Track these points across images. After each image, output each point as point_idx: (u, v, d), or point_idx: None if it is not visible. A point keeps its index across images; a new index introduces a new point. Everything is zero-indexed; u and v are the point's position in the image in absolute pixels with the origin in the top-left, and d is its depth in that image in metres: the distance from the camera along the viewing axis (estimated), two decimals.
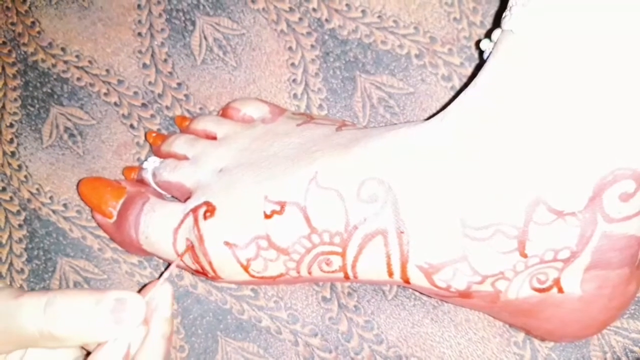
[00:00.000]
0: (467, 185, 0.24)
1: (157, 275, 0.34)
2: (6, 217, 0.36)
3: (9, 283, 0.35)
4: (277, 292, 0.32)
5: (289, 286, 0.32)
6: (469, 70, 0.34)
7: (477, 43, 0.33)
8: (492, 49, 0.25)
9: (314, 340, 0.32)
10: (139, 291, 0.26)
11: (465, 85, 0.34)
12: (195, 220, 0.28)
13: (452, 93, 0.34)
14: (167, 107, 0.36)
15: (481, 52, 0.29)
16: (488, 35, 0.26)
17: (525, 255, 0.24)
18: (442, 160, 0.25)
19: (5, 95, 0.38)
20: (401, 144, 0.26)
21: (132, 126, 0.36)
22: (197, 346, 0.33)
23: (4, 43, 0.38)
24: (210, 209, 0.28)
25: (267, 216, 0.27)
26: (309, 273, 0.28)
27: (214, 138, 0.32)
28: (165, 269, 0.32)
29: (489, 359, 0.30)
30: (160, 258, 0.31)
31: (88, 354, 0.26)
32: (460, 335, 0.31)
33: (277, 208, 0.27)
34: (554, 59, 0.23)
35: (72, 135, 0.36)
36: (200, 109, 0.36)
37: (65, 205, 0.35)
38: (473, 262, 0.25)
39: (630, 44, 0.21)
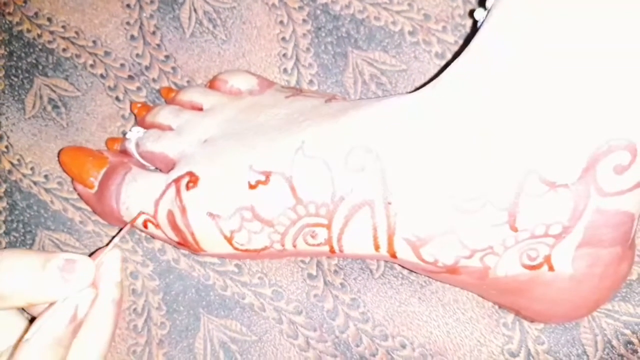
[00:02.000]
0: (457, 155, 0.23)
1: (139, 250, 0.33)
2: None
3: None
4: (261, 268, 0.32)
5: (274, 262, 0.32)
6: (462, 49, 0.33)
7: (471, 12, 0.33)
8: (485, 17, 0.25)
9: (298, 318, 0.31)
10: (90, 255, 0.26)
11: (454, 57, 0.33)
12: (178, 191, 0.28)
13: None
14: (154, 80, 0.35)
15: (475, 22, 0.28)
16: (482, 4, 0.26)
17: (515, 229, 0.24)
18: (431, 130, 0.24)
19: None
20: (391, 112, 0.25)
21: (117, 98, 0.35)
22: (179, 323, 0.32)
23: None
24: (193, 179, 0.28)
25: (251, 186, 0.27)
26: (294, 246, 0.27)
27: (200, 109, 0.32)
28: (117, 233, 0.31)
29: (478, 339, 0.30)
30: (141, 231, 0.30)
31: (32, 321, 0.25)
32: (448, 315, 0.30)
33: (262, 178, 0.26)
34: (547, 25, 0.22)
35: (56, 107, 0.35)
36: (188, 82, 0.35)
37: (46, 176, 0.34)
38: (462, 236, 0.24)
39: (625, 9, 0.21)
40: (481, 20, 0.26)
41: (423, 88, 0.25)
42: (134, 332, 0.32)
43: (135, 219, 0.28)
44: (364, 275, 0.31)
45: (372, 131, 0.25)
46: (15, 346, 0.24)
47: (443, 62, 0.33)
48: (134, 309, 0.33)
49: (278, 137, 0.27)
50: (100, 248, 0.27)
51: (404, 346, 0.30)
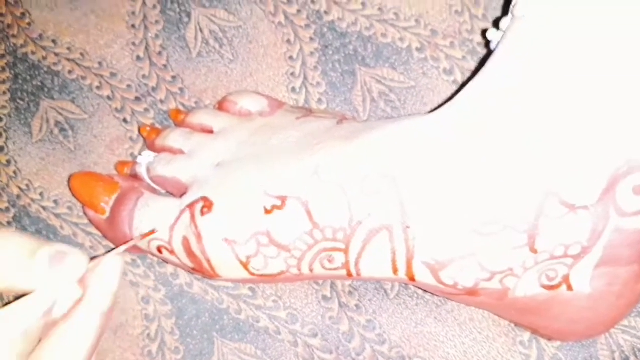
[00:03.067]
0: (475, 179, 0.23)
1: (151, 274, 0.33)
2: None
3: None
4: (275, 291, 0.31)
5: (288, 285, 0.31)
6: (471, 64, 0.33)
7: (484, 33, 0.33)
8: (501, 37, 0.25)
9: (314, 340, 0.31)
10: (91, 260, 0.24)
11: (469, 78, 0.33)
12: (192, 217, 0.27)
13: (454, 87, 0.33)
14: (161, 101, 0.35)
15: (487, 43, 0.28)
16: (495, 25, 0.26)
17: (535, 251, 0.24)
18: (448, 153, 0.24)
19: None
20: (405, 135, 0.25)
21: (125, 120, 0.35)
22: (193, 347, 0.32)
23: None
24: (207, 205, 0.27)
25: (267, 211, 0.26)
26: (311, 271, 0.27)
27: (211, 132, 0.31)
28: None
29: (495, 359, 0.29)
30: (154, 256, 0.30)
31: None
32: (464, 335, 0.30)
33: (278, 203, 0.26)
34: (567, 46, 0.22)
35: (63, 130, 0.35)
36: (196, 102, 0.35)
37: (55, 201, 0.34)
38: (481, 259, 0.24)
39: None
40: (496, 41, 0.26)
41: (437, 110, 0.25)
42: (149, 358, 0.32)
43: (147, 234, 0.28)
44: (379, 296, 0.31)
45: (386, 155, 0.25)
46: None
47: (452, 78, 0.33)
48: (148, 334, 0.32)
49: (292, 161, 0.27)
50: (99, 255, 0.26)
51: None
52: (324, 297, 0.31)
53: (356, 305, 0.31)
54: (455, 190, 0.24)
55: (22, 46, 0.37)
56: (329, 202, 0.25)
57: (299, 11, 0.35)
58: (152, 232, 0.28)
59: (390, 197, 0.24)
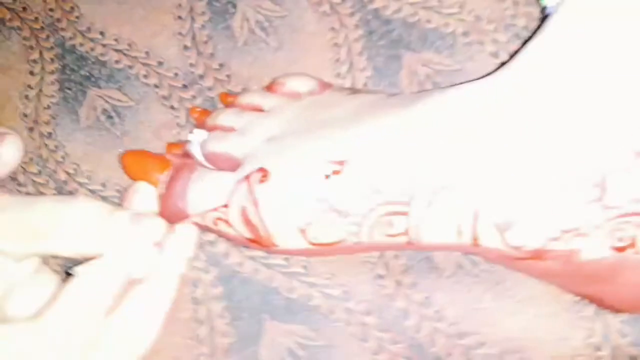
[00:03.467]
0: (544, 131, 0.23)
1: (202, 255, 0.32)
2: None
3: None
4: (329, 268, 0.31)
5: (341, 263, 0.31)
6: (516, 47, 0.33)
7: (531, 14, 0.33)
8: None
9: (368, 318, 0.30)
10: None
11: None
12: (249, 186, 0.27)
13: None
14: (208, 88, 0.35)
15: (543, 9, 0.28)
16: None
17: (605, 207, 0.23)
18: (515, 107, 0.24)
19: (42, 79, 0.37)
20: (469, 94, 0.25)
21: (172, 107, 0.35)
22: (242, 330, 0.31)
23: (42, 28, 0.38)
24: (264, 174, 0.27)
25: (325, 177, 0.26)
26: (370, 238, 0.26)
27: (260, 111, 0.31)
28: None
29: (558, 334, 0.29)
30: (208, 230, 0.30)
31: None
32: (525, 311, 0.29)
33: (337, 168, 0.26)
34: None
35: (109, 117, 0.35)
36: (242, 89, 0.35)
37: (103, 184, 0.34)
38: (550, 216, 0.24)
39: None
40: (552, 6, 0.26)
41: (499, 70, 0.25)
42: (198, 342, 0.31)
43: (213, 210, 0.27)
44: (434, 275, 0.30)
45: (451, 115, 0.25)
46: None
47: (498, 61, 0.33)
48: (196, 318, 0.32)
49: (350, 126, 0.27)
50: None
51: (481, 344, 0.29)
52: (378, 275, 0.31)
53: (412, 283, 0.30)
54: (523, 144, 0.23)
55: (70, 38, 0.37)
56: (390, 164, 0.25)
57: (343, 0, 0.35)
58: (216, 209, 0.28)
59: (457, 154, 0.24)
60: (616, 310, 0.28)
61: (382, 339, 0.30)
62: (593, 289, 0.27)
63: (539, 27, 0.29)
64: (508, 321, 0.29)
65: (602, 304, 0.28)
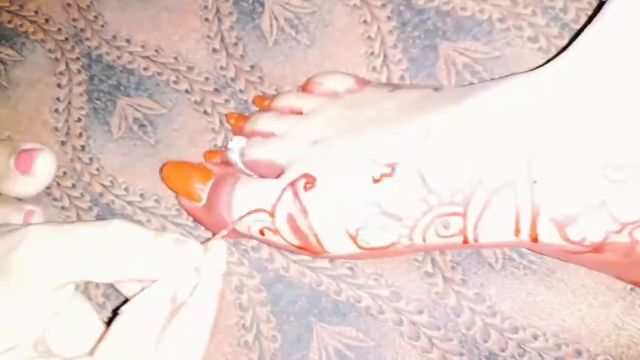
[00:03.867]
0: (605, 122, 0.23)
1: (245, 261, 0.32)
2: (77, 215, 0.34)
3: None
4: (375, 269, 0.31)
5: (387, 263, 0.30)
6: (555, 31, 0.33)
7: None
8: None
9: (420, 317, 0.30)
10: None
11: (555, 46, 0.32)
12: (295, 193, 0.27)
13: (541, 54, 0.32)
14: (241, 91, 0.35)
15: None
16: None
17: None
18: (574, 98, 0.23)
19: (70, 91, 0.36)
20: (524, 88, 0.24)
21: (205, 112, 0.35)
22: (290, 334, 0.31)
23: (66, 39, 0.37)
24: (310, 180, 0.27)
25: (375, 181, 0.26)
26: (424, 240, 0.26)
27: (300, 113, 0.31)
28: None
29: (615, 323, 0.28)
30: (255, 239, 0.29)
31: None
32: (579, 302, 0.29)
33: (387, 170, 0.26)
34: None
35: (142, 126, 0.35)
36: (276, 90, 0.35)
37: (142, 195, 0.34)
38: (612, 208, 0.23)
39: None
40: None
41: (553, 60, 0.25)
42: (246, 348, 0.31)
43: (247, 214, 0.27)
44: (484, 270, 0.30)
45: (507, 109, 0.24)
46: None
47: (537, 46, 0.33)
48: (243, 324, 0.32)
49: (397, 126, 0.26)
50: (205, 240, 0.26)
51: (536, 337, 0.29)
52: (427, 273, 0.30)
53: (462, 279, 0.30)
54: (584, 137, 0.23)
55: (96, 48, 0.37)
56: (444, 163, 0.25)
57: None
58: (253, 211, 0.28)
59: (515, 150, 0.24)
60: None
61: (433, 336, 0.29)
62: None
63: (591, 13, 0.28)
64: (562, 312, 0.29)
65: None
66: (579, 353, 0.28)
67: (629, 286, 0.29)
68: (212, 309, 0.24)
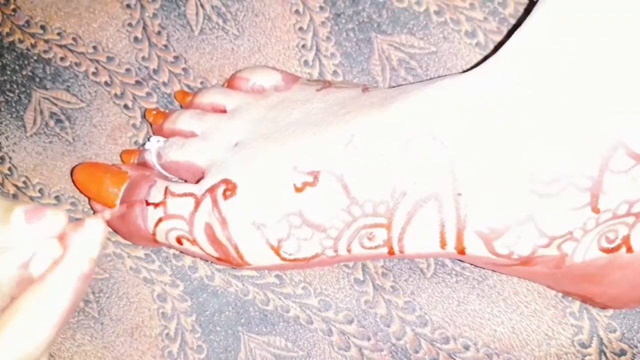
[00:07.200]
0: (534, 134, 0.21)
1: (167, 269, 0.30)
2: None
3: None
4: (304, 277, 0.29)
5: (317, 270, 0.29)
6: (493, 25, 0.31)
7: None
8: None
9: (349, 327, 0.29)
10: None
11: (493, 42, 0.31)
12: (214, 201, 0.25)
13: (478, 50, 0.31)
14: (164, 84, 0.32)
15: None
16: None
17: (597, 211, 0.22)
18: (501, 109, 0.22)
19: None
20: (449, 94, 0.23)
21: (126, 106, 0.32)
22: (217, 345, 0.30)
23: None
24: (230, 187, 0.25)
25: (297, 189, 0.24)
26: (348, 251, 0.25)
27: (223, 111, 0.29)
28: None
29: (545, 333, 0.28)
30: (172, 248, 0.28)
31: None
32: (511, 310, 0.28)
33: (310, 179, 0.24)
34: None
35: (59, 121, 0.32)
36: (202, 83, 0.32)
37: (57, 197, 0.31)
38: (540, 223, 0.22)
39: None
40: None
41: (480, 66, 0.23)
42: (170, 359, 0.30)
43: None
44: (415, 276, 0.29)
45: (431, 117, 0.23)
46: None
47: (474, 41, 0.31)
48: (167, 334, 0.30)
49: (321, 132, 0.25)
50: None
51: (467, 348, 0.28)
52: (357, 281, 0.29)
53: (392, 287, 0.29)
54: (510, 150, 0.22)
55: (7, 34, 0.34)
56: (367, 173, 0.23)
57: None
58: (169, 216, 0.26)
59: (439, 162, 0.22)
60: (603, 307, 0.27)
61: (363, 347, 0.28)
62: (582, 288, 0.25)
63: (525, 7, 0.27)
64: (493, 322, 0.28)
65: (590, 302, 0.27)
66: None
67: (560, 293, 0.28)
68: (68, 291, 0.21)
